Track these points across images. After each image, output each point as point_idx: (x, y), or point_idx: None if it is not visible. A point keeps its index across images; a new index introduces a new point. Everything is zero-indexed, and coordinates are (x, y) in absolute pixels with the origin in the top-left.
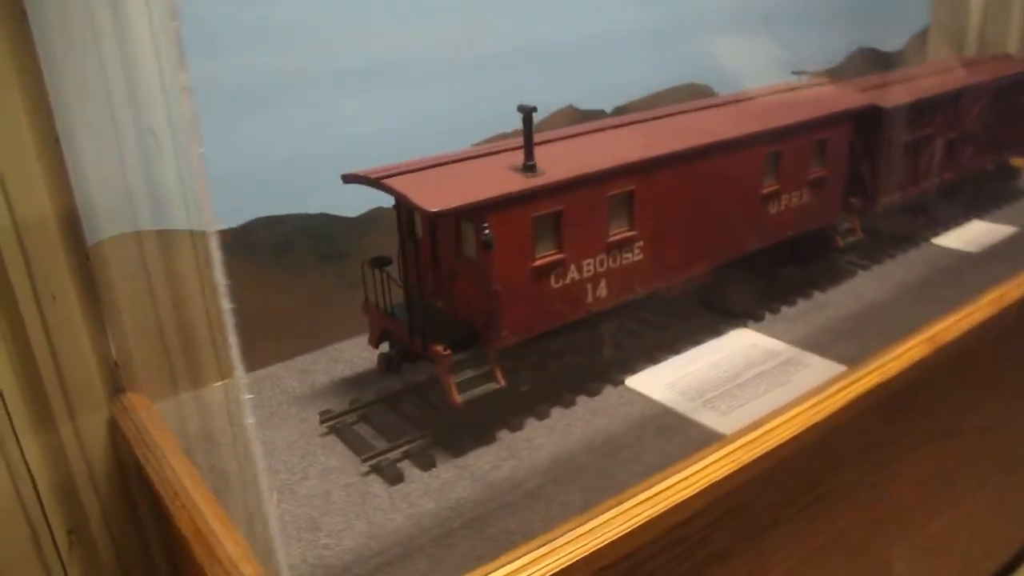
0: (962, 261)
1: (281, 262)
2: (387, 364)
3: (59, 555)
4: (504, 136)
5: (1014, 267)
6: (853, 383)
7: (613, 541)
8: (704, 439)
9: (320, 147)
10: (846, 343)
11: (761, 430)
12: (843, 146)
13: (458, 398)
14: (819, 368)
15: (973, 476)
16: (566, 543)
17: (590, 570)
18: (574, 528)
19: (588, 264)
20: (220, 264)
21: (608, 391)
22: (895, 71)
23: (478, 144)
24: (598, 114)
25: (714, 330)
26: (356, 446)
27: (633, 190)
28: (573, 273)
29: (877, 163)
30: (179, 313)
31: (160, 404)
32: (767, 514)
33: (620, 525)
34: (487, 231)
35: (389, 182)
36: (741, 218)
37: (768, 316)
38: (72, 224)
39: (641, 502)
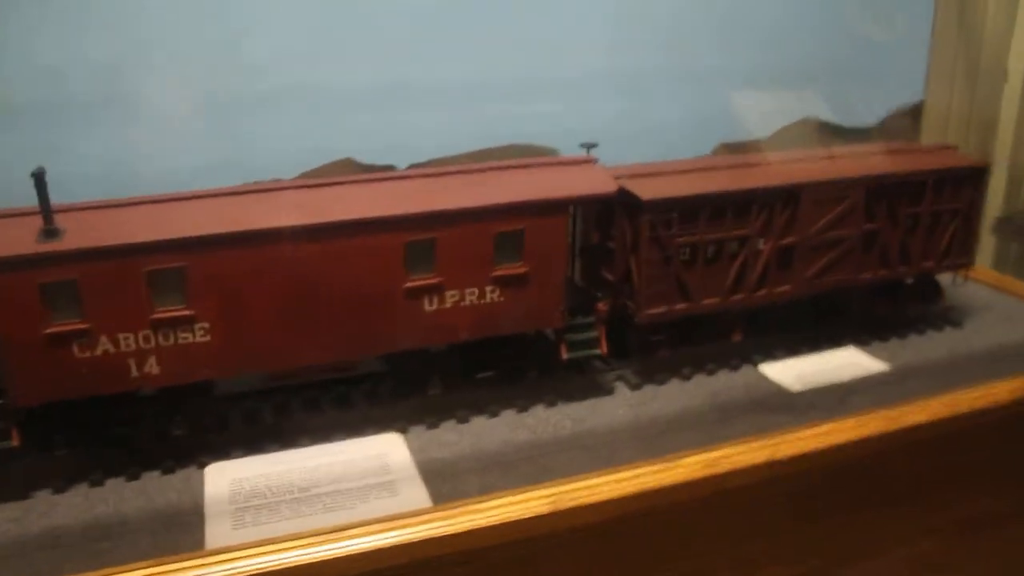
0: (762, 398)
1: None
2: None
3: None
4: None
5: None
6: None
7: None
8: None
9: None
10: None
11: None
12: (558, 240)
13: None
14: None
15: None
16: None
17: None
18: None
19: (126, 338)
20: None
21: None
22: (753, 154)
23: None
24: (384, 168)
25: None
26: None
27: (184, 267)
28: (105, 345)
29: (644, 265)
30: None
31: None
32: None
33: None
34: None
35: None
36: (375, 312)
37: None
38: None
39: None
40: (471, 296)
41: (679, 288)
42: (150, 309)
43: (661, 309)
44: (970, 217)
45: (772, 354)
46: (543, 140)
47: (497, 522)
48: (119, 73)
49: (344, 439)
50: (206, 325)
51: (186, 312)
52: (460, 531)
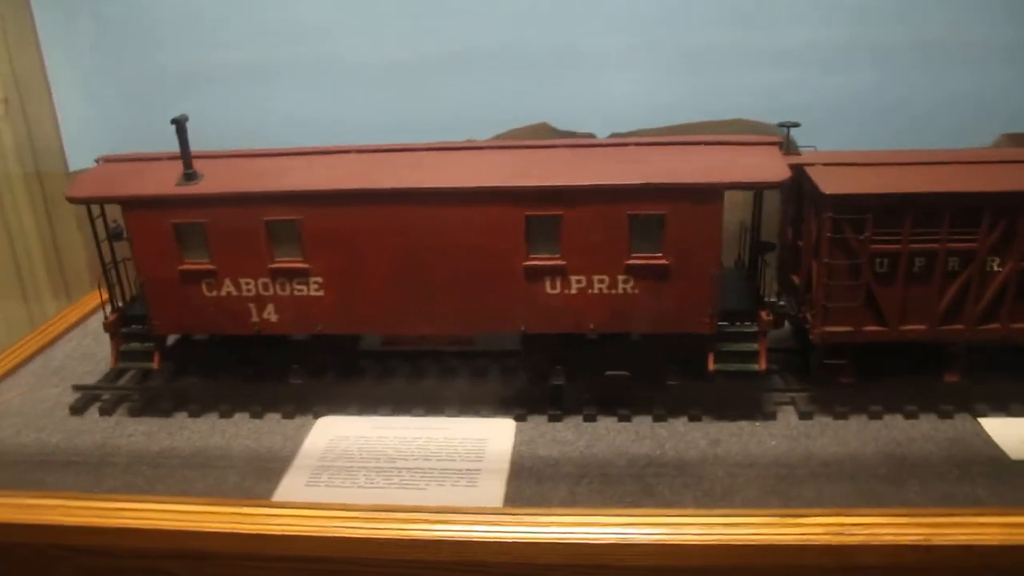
0: (964, 459)
1: None
2: None
3: None
4: None
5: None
6: None
7: None
8: None
9: None
10: None
11: None
12: (708, 230)
13: None
14: None
15: None
16: None
17: None
18: None
19: (247, 283)
20: None
21: None
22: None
23: None
24: (583, 135)
25: None
26: None
27: (300, 220)
28: (229, 287)
29: (824, 272)
30: None
31: None
32: None
33: None
34: (116, 224)
35: None
36: (491, 288)
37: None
38: None
39: None
40: (600, 284)
41: (871, 306)
42: (270, 258)
43: (845, 329)
44: None
45: (1005, 407)
46: (767, 115)
47: (513, 540)
48: (329, 35)
49: (458, 416)
50: (320, 280)
51: (302, 265)
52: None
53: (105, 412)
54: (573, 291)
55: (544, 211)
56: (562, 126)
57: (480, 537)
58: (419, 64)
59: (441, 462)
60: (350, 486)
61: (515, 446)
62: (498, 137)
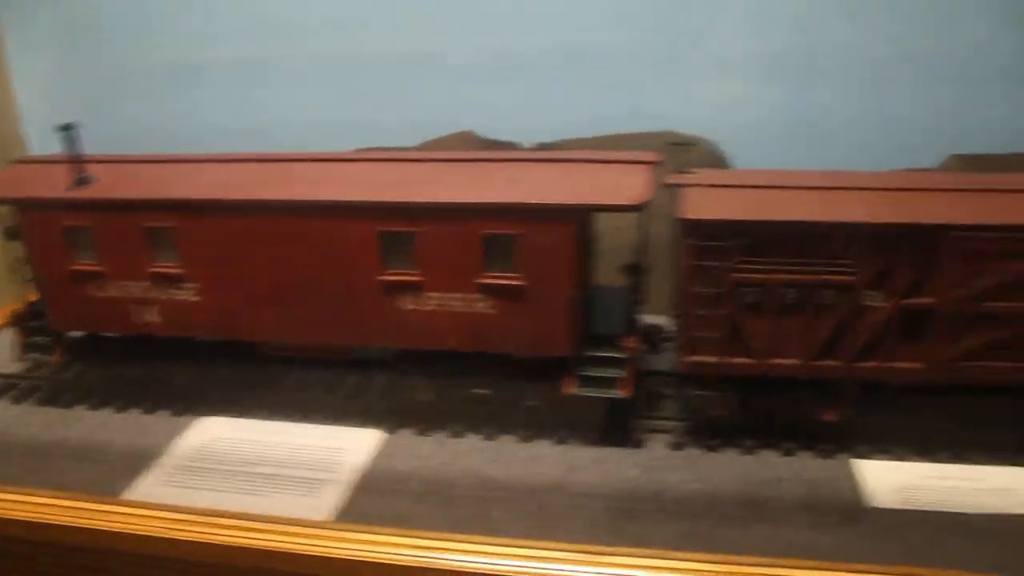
0: (824, 502)
1: None
2: None
3: None
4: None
5: None
6: None
7: None
8: None
9: None
10: None
11: None
12: (561, 253)
13: None
14: None
15: None
16: None
17: None
18: None
19: (130, 286)
20: None
21: None
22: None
23: None
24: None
25: None
26: None
27: (175, 228)
28: (114, 289)
29: (688, 300)
30: None
31: None
32: None
33: None
34: (13, 225)
35: None
36: (350, 301)
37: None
38: None
39: None
40: (456, 302)
41: (738, 338)
42: (149, 263)
43: (710, 359)
44: None
45: (889, 449)
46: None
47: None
48: (257, 37)
49: (332, 424)
50: (196, 285)
51: (178, 270)
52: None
53: (16, 401)
54: (431, 308)
55: (397, 227)
56: (488, 135)
57: (278, 547)
58: (350, 68)
59: (294, 470)
60: (199, 488)
61: (374, 458)
62: (424, 144)
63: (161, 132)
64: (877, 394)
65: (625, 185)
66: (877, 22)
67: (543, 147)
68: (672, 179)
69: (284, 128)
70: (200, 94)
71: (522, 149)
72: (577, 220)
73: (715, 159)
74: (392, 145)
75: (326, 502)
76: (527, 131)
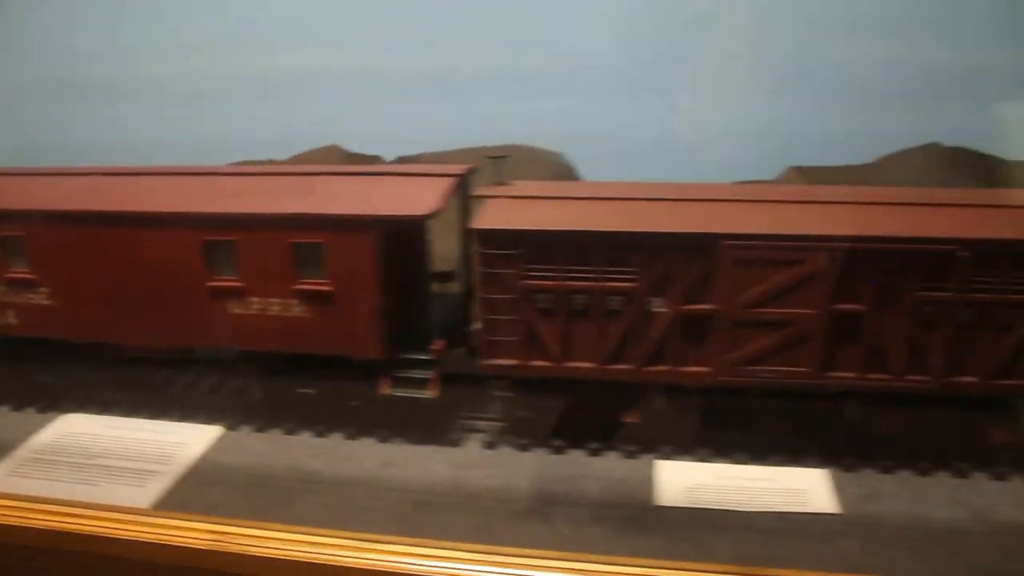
0: (614, 499)
1: None
2: None
3: None
4: None
5: None
6: None
7: None
8: None
9: None
10: None
11: None
12: (363, 261)
13: None
14: None
15: None
16: None
17: None
18: None
19: None
20: None
21: None
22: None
23: None
24: (368, 159)
25: None
26: None
27: (24, 236)
28: None
29: (482, 306)
30: None
31: None
32: None
33: None
34: None
35: None
36: (182, 306)
37: None
38: None
39: None
40: (275, 306)
41: (536, 342)
42: (5, 268)
43: (510, 362)
44: None
45: (689, 450)
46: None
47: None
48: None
49: (179, 420)
50: (46, 290)
51: (30, 276)
52: None
53: None
54: (253, 312)
55: (220, 236)
56: (353, 148)
57: (94, 531)
58: (224, 86)
59: (132, 462)
60: (42, 478)
61: (207, 453)
62: (292, 159)
63: (33, 148)
64: (685, 397)
65: (419, 197)
66: (719, 36)
67: (402, 160)
68: (479, 191)
69: (162, 146)
70: (74, 109)
71: (383, 163)
72: (375, 230)
73: (565, 171)
74: (267, 159)
75: (150, 491)
76: (383, 146)
